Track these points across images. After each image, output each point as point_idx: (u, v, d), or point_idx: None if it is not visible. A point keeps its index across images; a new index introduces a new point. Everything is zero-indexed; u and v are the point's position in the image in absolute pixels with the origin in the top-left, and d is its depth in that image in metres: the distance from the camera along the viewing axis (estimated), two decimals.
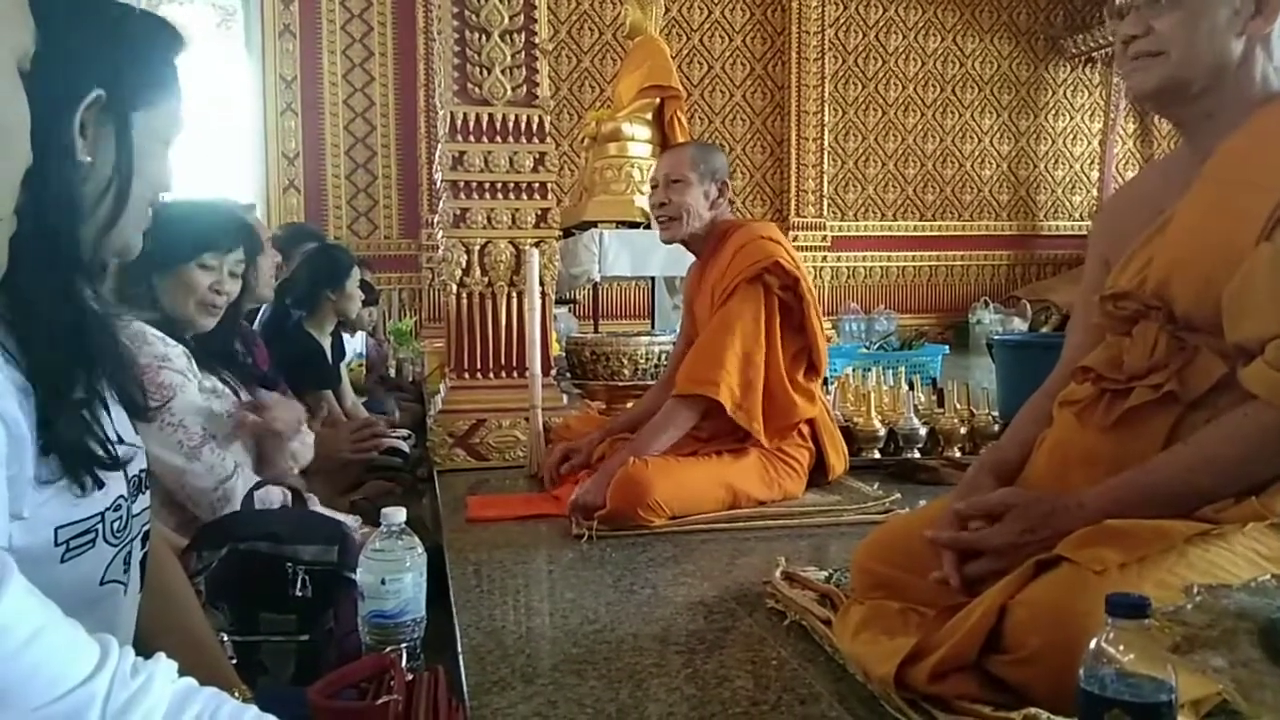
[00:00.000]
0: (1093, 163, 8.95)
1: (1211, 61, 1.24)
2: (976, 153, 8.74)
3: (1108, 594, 0.73)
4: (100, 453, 0.88)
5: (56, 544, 0.85)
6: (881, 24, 8.43)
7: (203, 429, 1.73)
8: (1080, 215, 8.95)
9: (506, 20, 2.82)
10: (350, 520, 1.95)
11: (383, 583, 1.32)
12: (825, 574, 1.60)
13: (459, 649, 1.38)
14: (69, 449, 0.85)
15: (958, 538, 1.23)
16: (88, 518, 0.88)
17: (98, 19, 0.91)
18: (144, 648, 0.77)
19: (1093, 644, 0.71)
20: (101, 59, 0.87)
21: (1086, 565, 1.03)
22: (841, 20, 8.31)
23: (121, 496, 0.94)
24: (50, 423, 0.83)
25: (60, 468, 0.84)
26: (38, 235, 0.76)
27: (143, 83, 0.92)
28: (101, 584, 0.91)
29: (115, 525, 0.92)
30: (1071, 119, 8.91)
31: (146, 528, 1.02)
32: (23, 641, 0.63)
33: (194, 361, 1.79)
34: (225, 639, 1.39)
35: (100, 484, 0.88)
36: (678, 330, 3.73)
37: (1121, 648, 0.71)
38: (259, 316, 3.18)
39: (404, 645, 1.32)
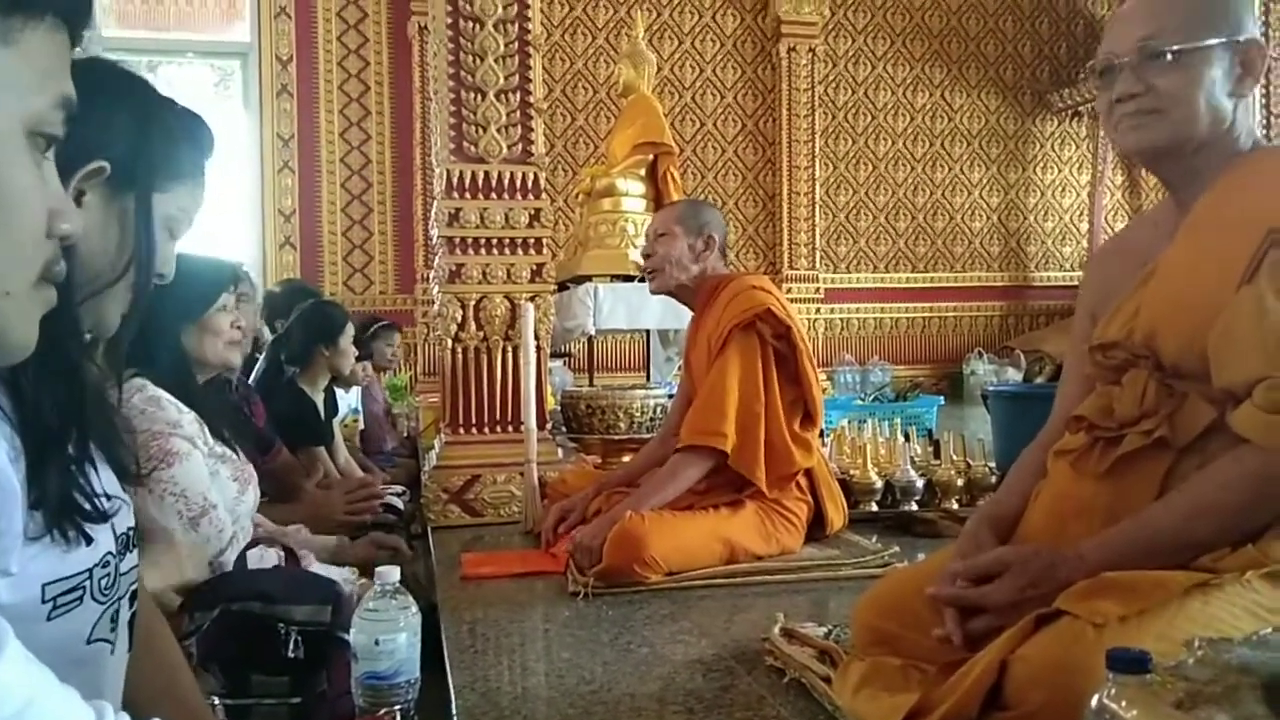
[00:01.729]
0: (1081, 214, 9.05)
1: (1210, 120, 1.26)
2: (967, 205, 8.84)
3: (1108, 649, 0.73)
4: (87, 506, 0.88)
5: (44, 601, 0.85)
6: (870, 80, 8.58)
7: (204, 499, 1.71)
8: (1071, 265, 9.02)
9: (502, 80, 2.87)
10: (347, 573, 1.93)
11: (376, 643, 1.31)
12: (825, 630, 1.58)
13: (453, 710, 1.36)
14: (57, 502, 0.85)
15: (959, 595, 1.22)
16: (76, 574, 0.88)
17: (125, 95, 0.94)
18: (134, 712, 0.76)
19: (1094, 700, 0.70)
20: (118, 134, 0.89)
21: (1086, 618, 1.03)
22: (831, 77, 8.46)
23: (109, 553, 0.93)
24: (39, 477, 0.83)
25: (47, 522, 0.84)
26: None
27: (162, 170, 0.95)
28: (89, 643, 0.90)
29: (103, 582, 0.91)
30: (1060, 171, 9.03)
31: (134, 586, 1.01)
32: (17, 710, 0.62)
33: (204, 428, 1.79)
34: (217, 703, 1.37)
35: (88, 539, 0.88)
36: (673, 383, 3.73)
37: (1124, 703, 0.70)
38: (254, 373, 3.18)
39: (398, 707, 1.30)
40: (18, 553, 0.81)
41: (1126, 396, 1.27)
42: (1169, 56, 1.26)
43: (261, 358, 3.27)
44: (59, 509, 0.85)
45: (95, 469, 0.92)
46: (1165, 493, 1.20)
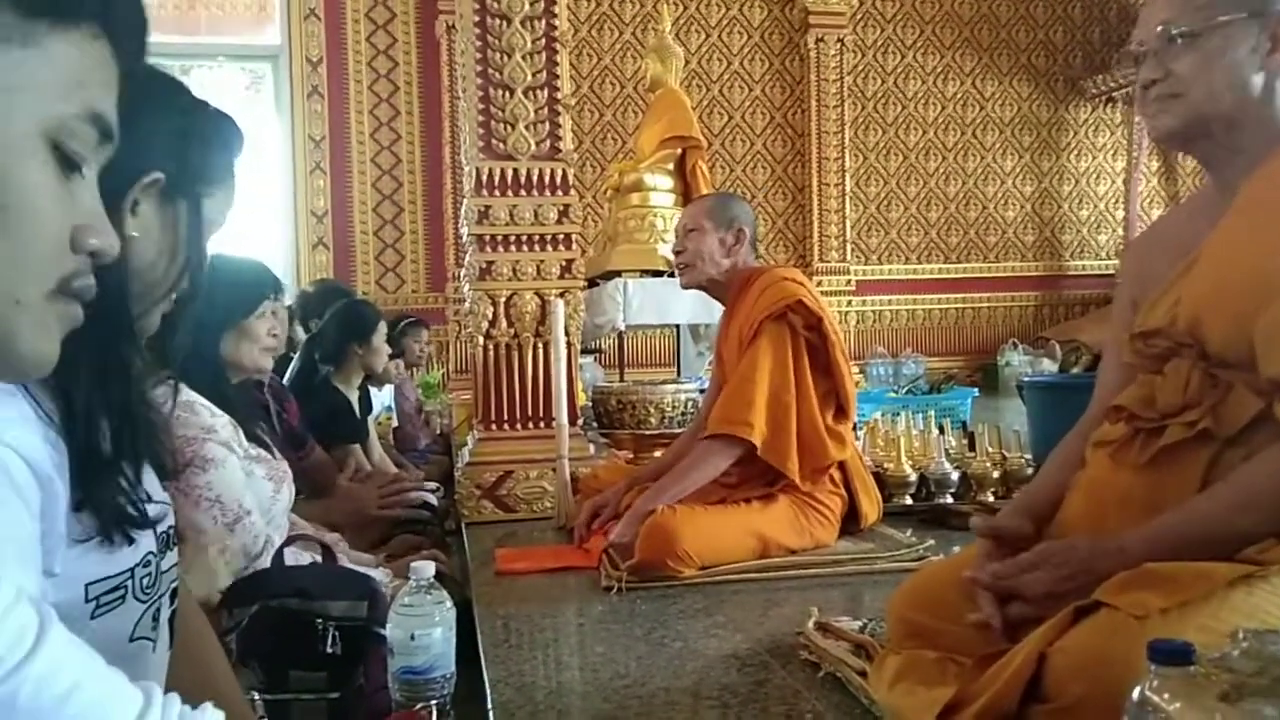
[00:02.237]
0: (1117, 201, 8.92)
1: (1231, 99, 1.24)
2: (999, 194, 8.74)
3: (1150, 640, 0.71)
4: (132, 511, 0.89)
5: (87, 600, 0.86)
6: (900, 70, 8.51)
7: (239, 504, 1.73)
8: (1106, 254, 8.90)
9: (529, 77, 2.87)
10: (381, 574, 1.95)
11: (412, 638, 1.32)
12: (860, 624, 1.57)
13: (489, 704, 1.37)
14: (101, 506, 0.86)
15: (997, 581, 1.20)
16: (118, 574, 0.89)
17: (171, 102, 0.95)
18: None
19: (1136, 692, 0.69)
20: (168, 145, 0.90)
21: (1127, 610, 1.01)
22: (860, 67, 8.39)
23: (151, 553, 0.94)
24: (83, 480, 0.84)
25: (93, 525, 0.85)
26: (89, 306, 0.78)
27: (207, 174, 0.96)
28: (131, 640, 0.92)
29: (145, 581, 0.93)
30: (1094, 159, 8.90)
31: (174, 584, 1.03)
32: (63, 693, 0.63)
33: (239, 431, 1.81)
34: (256, 698, 1.39)
35: (131, 540, 0.89)
36: (704, 378, 3.73)
37: (1167, 696, 0.69)
38: (288, 372, 3.21)
39: (434, 701, 1.31)
40: (61, 554, 0.82)
41: (1169, 386, 1.25)
42: (1181, 40, 1.24)
43: (296, 357, 3.30)
44: (105, 514, 0.86)
45: (139, 472, 0.93)
46: (1208, 485, 1.18)
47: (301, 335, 3.59)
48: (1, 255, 0.52)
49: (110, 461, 0.88)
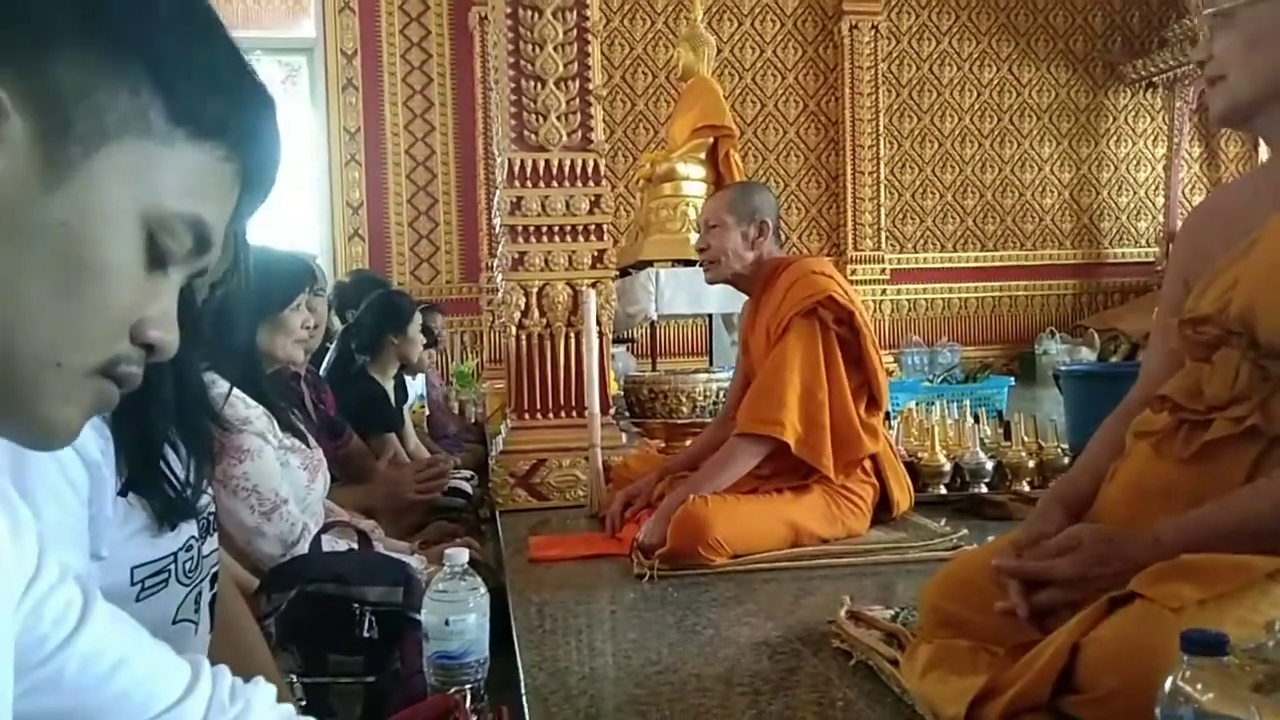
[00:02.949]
0: (1157, 188, 8.76)
1: (1273, 75, 1.21)
2: (1037, 181, 8.62)
3: (1183, 630, 0.71)
4: (175, 497, 0.91)
5: (132, 583, 0.89)
6: (935, 56, 8.41)
7: (275, 494, 1.76)
8: (1147, 241, 8.76)
9: (561, 68, 2.88)
10: (415, 561, 1.97)
11: (446, 624, 1.34)
12: (891, 613, 1.57)
13: (522, 690, 1.39)
14: (147, 492, 0.89)
15: (1024, 567, 1.19)
16: (162, 558, 0.91)
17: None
18: None
19: (1168, 683, 0.69)
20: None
21: (1163, 602, 1.00)
22: (894, 54, 8.31)
23: (193, 537, 0.97)
24: (130, 467, 0.86)
25: (141, 510, 0.88)
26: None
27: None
28: (174, 623, 0.94)
29: (187, 565, 0.95)
30: (1134, 145, 8.75)
31: (215, 569, 1.05)
32: (109, 668, 0.65)
33: (274, 421, 1.84)
34: (294, 681, 1.41)
35: (174, 525, 0.91)
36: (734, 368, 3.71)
37: (1200, 686, 0.69)
38: (324, 362, 3.25)
39: (468, 686, 1.32)
40: (109, 537, 0.85)
41: (1217, 378, 1.20)
42: (1217, 19, 1.22)
43: (332, 347, 3.34)
44: (150, 499, 0.88)
45: (179, 455, 0.95)
46: (1252, 481, 1.15)
47: (338, 325, 3.64)
48: (61, 314, 0.52)
49: (153, 447, 0.90)
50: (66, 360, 0.53)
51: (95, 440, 0.84)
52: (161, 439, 0.91)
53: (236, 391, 1.77)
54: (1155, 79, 8.35)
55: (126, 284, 0.54)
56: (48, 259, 0.51)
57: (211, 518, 1.04)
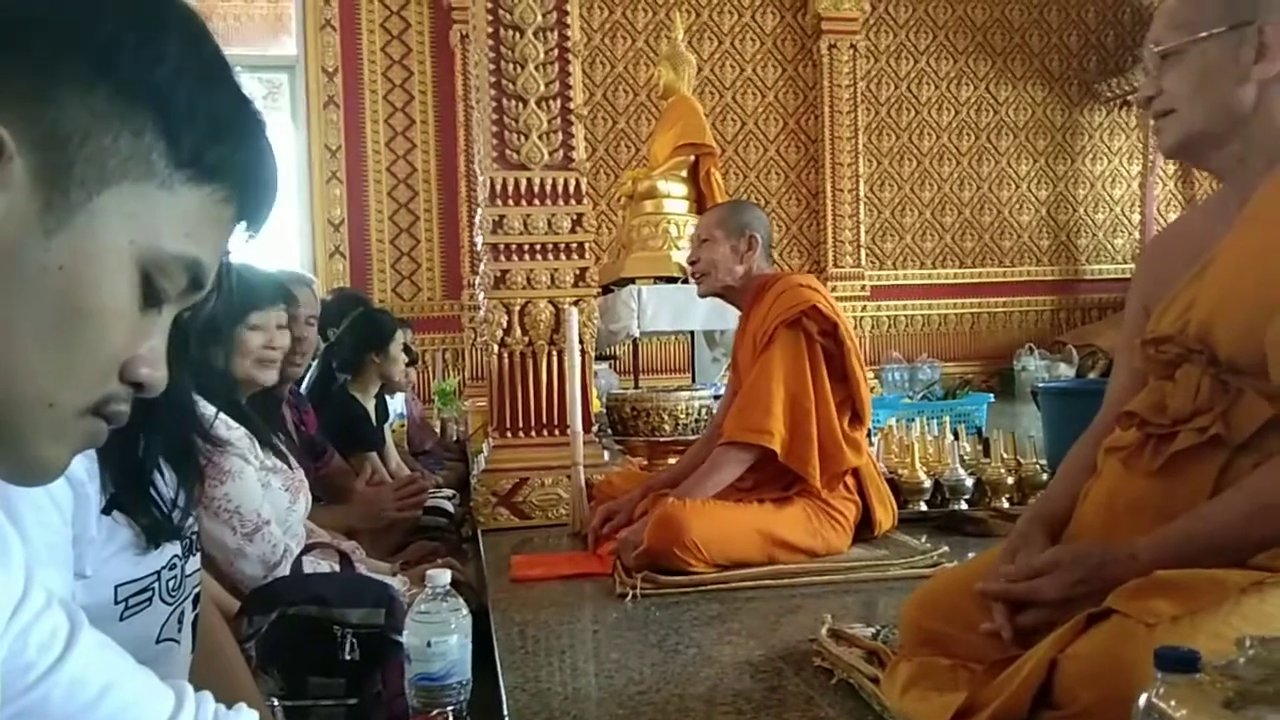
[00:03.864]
0: (1133, 205, 8.87)
1: (1221, 112, 1.25)
2: (1014, 199, 8.71)
3: (1156, 647, 0.72)
4: (162, 517, 0.91)
5: (116, 602, 0.88)
6: (913, 75, 8.50)
7: (257, 515, 1.75)
8: (1123, 258, 8.86)
9: (542, 87, 2.90)
10: (398, 583, 1.96)
11: (428, 645, 1.33)
12: (873, 630, 1.58)
13: (504, 711, 1.38)
14: (134, 511, 0.89)
15: (1009, 590, 1.21)
16: (145, 576, 0.91)
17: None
18: None
19: (1142, 699, 0.70)
20: None
21: (1138, 618, 1.02)
22: (873, 73, 8.39)
23: (176, 556, 0.97)
24: (117, 485, 0.86)
25: (125, 529, 0.88)
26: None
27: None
28: (158, 642, 0.94)
29: (170, 584, 0.95)
30: (1109, 162, 8.86)
31: (198, 589, 1.05)
32: (94, 695, 0.65)
33: (255, 442, 1.83)
34: (275, 704, 1.40)
35: (159, 544, 0.91)
36: (719, 384, 3.73)
37: (1173, 703, 0.70)
38: (305, 380, 3.24)
39: (450, 708, 1.32)
40: (93, 556, 0.85)
41: (1180, 393, 1.25)
42: (1168, 58, 1.25)
43: (313, 366, 3.33)
44: (134, 519, 0.88)
45: (164, 476, 0.96)
46: (1219, 491, 1.18)
47: (320, 344, 3.62)
48: (55, 356, 0.52)
49: (137, 466, 0.90)
50: (59, 400, 0.53)
51: (80, 459, 0.84)
52: (152, 458, 0.91)
53: (215, 412, 1.77)
54: (1130, 97, 8.46)
55: (121, 325, 0.54)
56: (45, 302, 0.51)
57: (195, 537, 1.04)
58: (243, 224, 0.60)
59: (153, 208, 0.53)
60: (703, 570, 2.00)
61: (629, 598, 1.93)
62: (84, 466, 0.83)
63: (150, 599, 0.92)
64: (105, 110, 0.51)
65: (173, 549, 0.96)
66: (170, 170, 0.53)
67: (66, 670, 0.63)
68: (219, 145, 0.55)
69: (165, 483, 0.93)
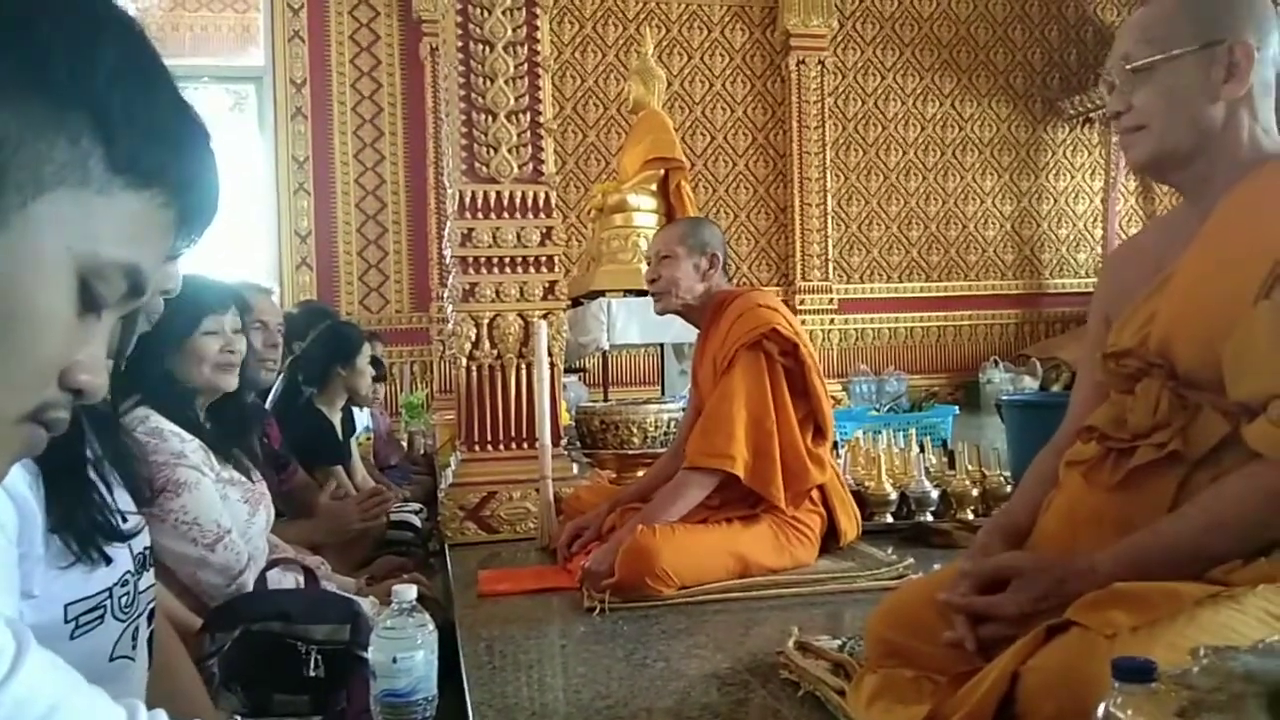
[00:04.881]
0: (1096, 220, 9.02)
1: (1192, 129, 1.27)
2: (979, 214, 8.82)
3: (1113, 658, 0.73)
4: (108, 524, 0.90)
5: (66, 620, 0.87)
6: (880, 91, 8.60)
7: (217, 525, 1.73)
8: (1086, 272, 8.99)
9: (512, 101, 2.90)
10: (368, 605, 1.94)
11: (394, 661, 1.32)
12: (839, 642, 1.59)
13: None
14: (76, 524, 0.87)
15: (970, 603, 1.22)
16: (97, 594, 0.90)
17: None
18: None
19: (1100, 709, 0.71)
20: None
21: (1097, 629, 1.03)
22: (840, 89, 8.48)
23: (128, 572, 0.95)
24: (59, 501, 0.85)
25: (70, 544, 0.86)
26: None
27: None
28: (111, 660, 0.92)
29: (123, 601, 0.94)
30: (1072, 178, 9.01)
31: (152, 605, 1.04)
32: (41, 714, 0.64)
33: (210, 454, 1.81)
34: None
35: (108, 559, 0.90)
36: (687, 397, 3.73)
37: (1130, 712, 0.71)
38: (270, 394, 3.21)
39: None
40: (40, 575, 0.83)
41: (1139, 407, 1.27)
42: (1138, 74, 1.27)
43: (279, 379, 3.30)
44: (80, 531, 0.87)
45: (111, 490, 0.94)
46: (1178, 505, 1.20)
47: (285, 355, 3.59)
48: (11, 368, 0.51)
49: (81, 475, 0.89)
50: (8, 410, 0.52)
51: (23, 476, 0.82)
52: (83, 464, 0.89)
53: (170, 425, 1.74)
54: (1092, 115, 8.62)
55: (58, 331, 0.53)
56: None
57: (148, 553, 1.03)
58: (184, 229, 0.59)
59: (90, 214, 0.52)
60: (675, 594, 2.00)
61: (597, 612, 1.93)
62: (27, 483, 0.81)
63: (102, 616, 0.90)
64: (40, 117, 0.50)
65: (124, 565, 0.95)
66: (108, 176, 0.53)
67: (11, 691, 0.62)
68: (157, 150, 0.54)
69: (103, 487, 0.92)
